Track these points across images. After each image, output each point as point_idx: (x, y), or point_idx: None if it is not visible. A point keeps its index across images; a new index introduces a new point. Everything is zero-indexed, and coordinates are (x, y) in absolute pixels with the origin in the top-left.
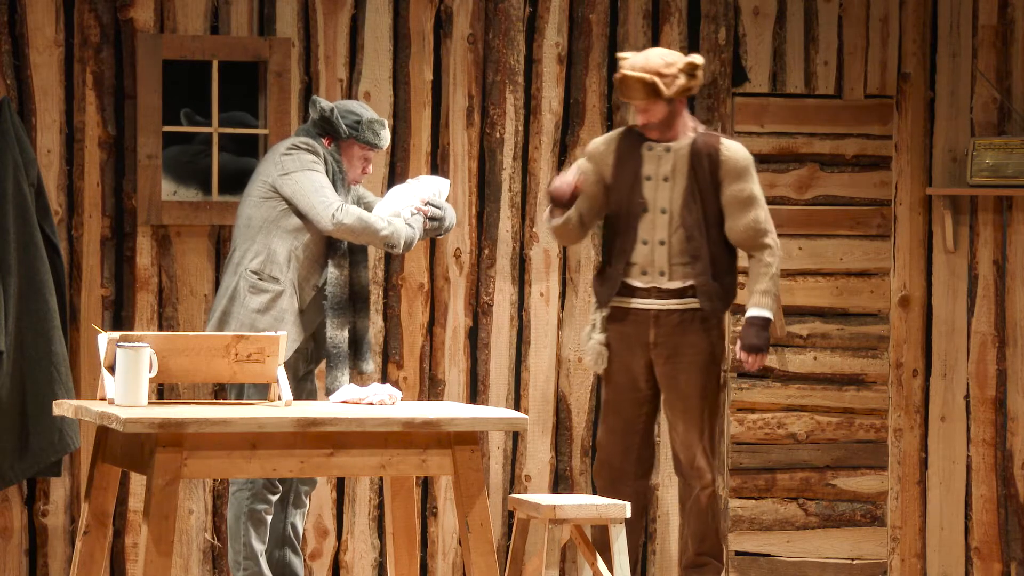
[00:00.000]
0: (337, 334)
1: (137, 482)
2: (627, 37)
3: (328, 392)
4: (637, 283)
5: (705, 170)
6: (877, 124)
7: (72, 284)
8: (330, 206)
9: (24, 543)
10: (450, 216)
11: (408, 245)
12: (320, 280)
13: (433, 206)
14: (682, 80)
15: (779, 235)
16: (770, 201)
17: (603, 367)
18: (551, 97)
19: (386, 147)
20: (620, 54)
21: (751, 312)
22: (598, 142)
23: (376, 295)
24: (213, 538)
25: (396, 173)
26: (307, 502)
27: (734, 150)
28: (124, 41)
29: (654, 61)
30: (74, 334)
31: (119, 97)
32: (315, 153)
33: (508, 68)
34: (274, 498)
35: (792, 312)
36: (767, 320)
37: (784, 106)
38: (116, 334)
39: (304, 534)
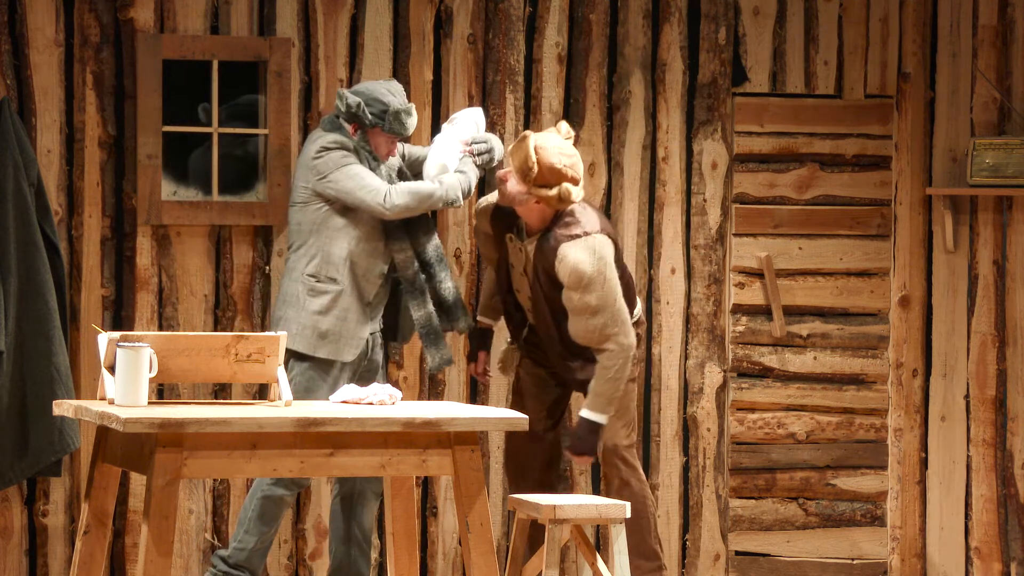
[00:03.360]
0: (422, 314)
1: (137, 482)
2: (627, 37)
3: (433, 371)
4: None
5: (546, 274)
6: (877, 124)
7: (72, 284)
8: (378, 193)
9: (24, 543)
10: (497, 145)
11: (467, 192)
12: (384, 268)
13: (477, 143)
14: (550, 192)
15: (779, 235)
16: (770, 201)
17: (513, 367)
18: (551, 97)
19: (411, 133)
20: (562, 123)
21: (582, 412)
22: (481, 210)
23: None
24: (213, 538)
25: None
26: (376, 503)
27: (567, 261)
28: (124, 41)
29: (552, 158)
30: (74, 334)
31: (119, 97)
32: (344, 148)
33: (508, 68)
34: (298, 488)
35: (792, 312)
36: (595, 425)
37: (784, 106)
38: (116, 334)
39: (304, 534)
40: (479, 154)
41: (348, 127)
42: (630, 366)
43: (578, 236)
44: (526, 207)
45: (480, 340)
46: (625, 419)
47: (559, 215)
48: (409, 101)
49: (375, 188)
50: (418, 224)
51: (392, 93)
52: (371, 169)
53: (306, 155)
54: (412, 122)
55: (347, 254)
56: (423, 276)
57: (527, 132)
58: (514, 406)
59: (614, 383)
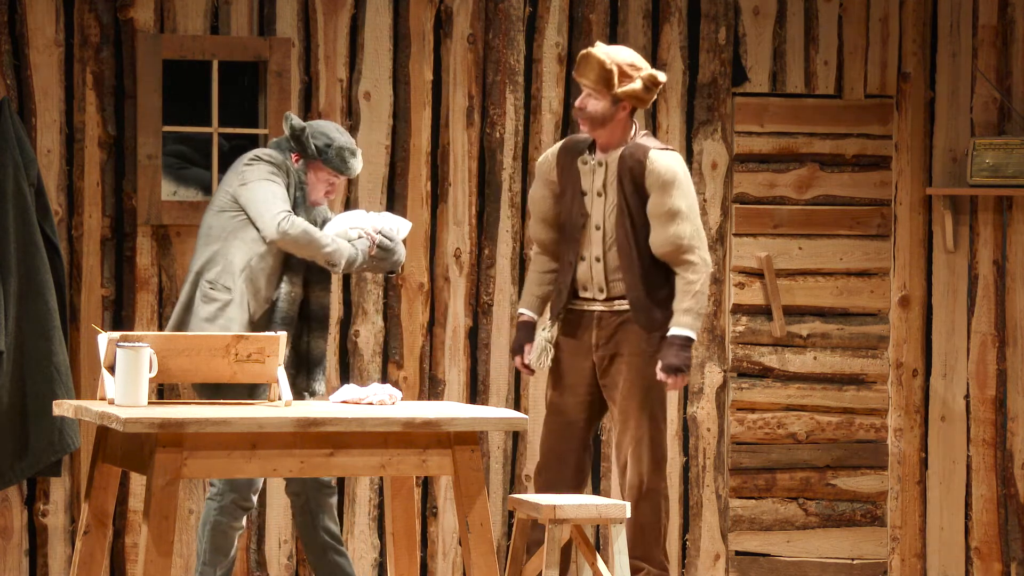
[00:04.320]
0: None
1: (137, 482)
2: (627, 37)
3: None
4: (581, 294)
5: (632, 182)
6: (877, 124)
7: (72, 284)
8: (277, 215)
9: (24, 543)
10: (400, 253)
11: (349, 266)
12: (273, 294)
13: (385, 237)
14: (637, 86)
15: (779, 235)
16: (770, 201)
17: (547, 364)
18: (551, 97)
19: (354, 176)
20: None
21: (671, 331)
22: (543, 159)
23: (376, 295)
24: None
25: (396, 173)
26: (330, 501)
27: (660, 162)
28: (124, 41)
29: (623, 55)
30: (74, 334)
31: (119, 97)
32: (276, 165)
33: (508, 68)
34: (243, 515)
35: (792, 312)
36: (688, 339)
37: (784, 106)
38: (116, 334)
39: None
40: (379, 246)
41: (291, 155)
42: (710, 284)
43: (664, 147)
44: (612, 123)
45: (525, 333)
46: (665, 433)
47: (635, 136)
48: (408, 102)
49: (277, 208)
50: (320, 274)
51: (340, 132)
52: (296, 200)
53: (238, 161)
54: (355, 164)
55: (246, 266)
56: (297, 325)
57: (586, 50)
58: (547, 420)
59: (701, 296)
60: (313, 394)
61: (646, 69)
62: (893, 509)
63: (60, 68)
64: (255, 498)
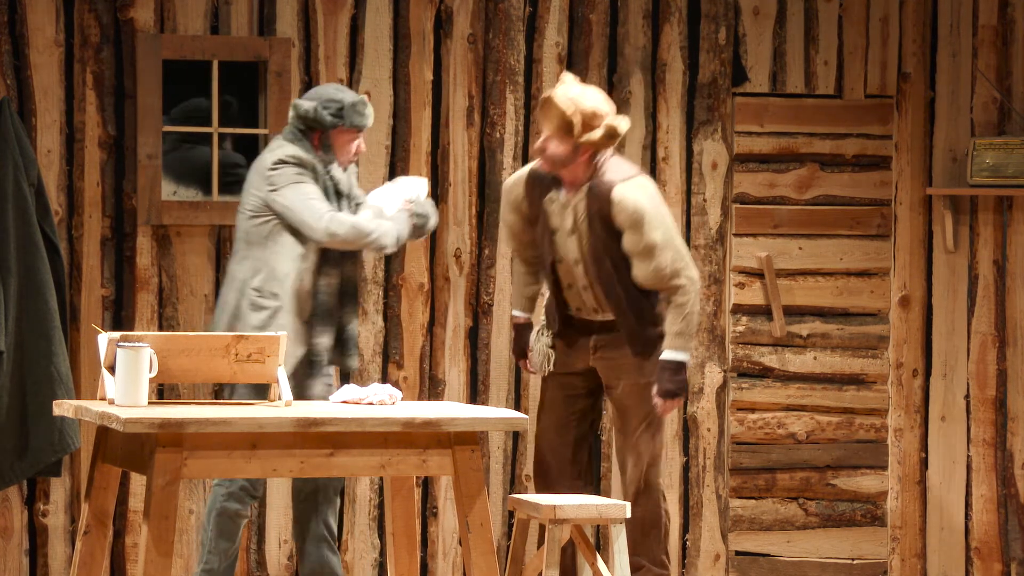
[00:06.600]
0: (320, 342)
1: (137, 482)
2: (627, 37)
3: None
4: (576, 314)
5: (602, 222)
6: (877, 124)
7: (72, 284)
8: (321, 218)
9: (24, 543)
10: (433, 214)
11: (396, 243)
12: (317, 288)
13: (417, 203)
14: (596, 136)
15: (779, 235)
16: (770, 201)
17: (549, 369)
18: None
19: (371, 123)
20: (566, 74)
21: (664, 355)
22: (512, 185)
23: (376, 295)
24: None
25: (396, 173)
26: (337, 499)
27: (626, 199)
28: (124, 41)
29: (586, 102)
30: (74, 334)
31: (119, 97)
32: (301, 164)
33: (508, 68)
34: (251, 501)
35: (792, 312)
36: (681, 364)
37: (784, 106)
38: (116, 334)
39: None
40: (416, 214)
41: (311, 137)
42: (699, 300)
43: (628, 177)
44: (573, 166)
45: (522, 334)
46: (663, 431)
47: (598, 167)
48: (408, 102)
49: (319, 211)
50: (350, 252)
51: (341, 91)
52: (327, 190)
53: (262, 163)
54: (370, 112)
55: (291, 271)
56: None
57: (547, 94)
58: (541, 417)
59: (692, 318)
60: (347, 371)
61: (608, 118)
62: (893, 509)
63: (60, 68)
64: (261, 489)
